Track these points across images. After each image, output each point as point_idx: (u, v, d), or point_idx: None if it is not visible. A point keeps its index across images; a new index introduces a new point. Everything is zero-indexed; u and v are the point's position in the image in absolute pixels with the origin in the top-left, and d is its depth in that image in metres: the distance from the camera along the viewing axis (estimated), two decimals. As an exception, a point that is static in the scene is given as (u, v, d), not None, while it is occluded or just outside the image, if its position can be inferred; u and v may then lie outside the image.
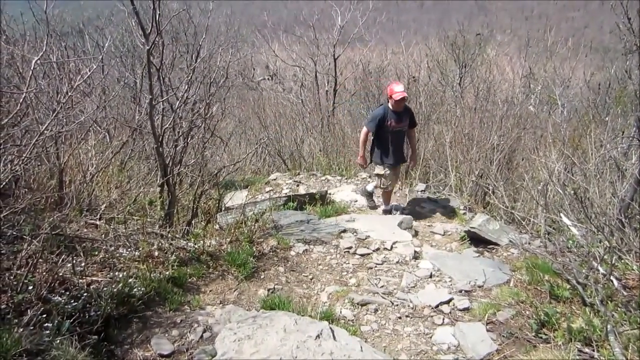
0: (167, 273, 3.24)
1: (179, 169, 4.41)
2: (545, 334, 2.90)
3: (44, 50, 3.27)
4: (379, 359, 2.54)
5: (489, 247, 4.58)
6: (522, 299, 3.36)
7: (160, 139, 4.00)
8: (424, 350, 2.97)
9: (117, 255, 3.23)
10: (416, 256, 4.28)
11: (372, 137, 5.33)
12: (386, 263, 4.16)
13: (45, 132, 3.18)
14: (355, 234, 4.66)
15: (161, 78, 3.95)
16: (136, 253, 3.28)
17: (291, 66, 12.19)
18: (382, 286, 3.76)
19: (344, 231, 4.70)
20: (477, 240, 4.66)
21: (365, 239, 4.58)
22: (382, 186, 5.45)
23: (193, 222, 4.45)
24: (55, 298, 2.52)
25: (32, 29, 5.79)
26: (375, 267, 4.09)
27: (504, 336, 2.99)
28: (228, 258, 3.73)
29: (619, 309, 2.81)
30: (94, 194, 4.06)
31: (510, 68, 12.10)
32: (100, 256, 3.15)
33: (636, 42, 3.84)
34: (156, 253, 3.38)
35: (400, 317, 3.31)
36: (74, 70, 4.31)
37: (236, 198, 5.85)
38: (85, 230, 3.56)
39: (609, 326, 2.61)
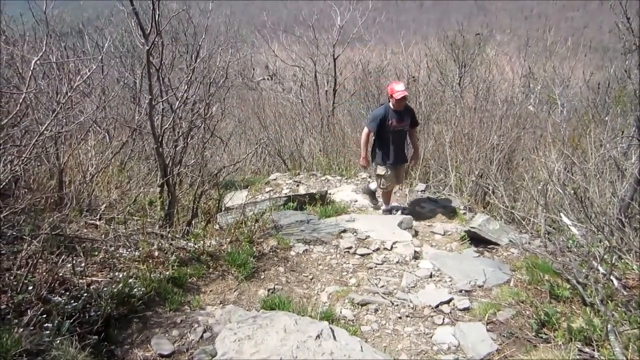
0: (167, 273, 3.24)
1: (179, 169, 4.41)
2: (546, 334, 2.90)
3: (43, 50, 3.27)
4: (379, 359, 2.54)
5: (489, 247, 4.58)
6: (522, 299, 3.36)
7: (160, 139, 4.00)
8: (424, 350, 2.97)
9: (117, 255, 3.23)
10: (416, 256, 4.28)
11: (373, 138, 5.32)
12: (386, 263, 4.16)
13: (45, 132, 3.18)
14: (355, 234, 4.66)
15: (161, 78, 3.95)
16: (136, 253, 3.28)
17: (291, 66, 12.18)
18: (382, 286, 3.76)
19: (344, 231, 4.70)
20: (477, 240, 4.66)
21: (365, 239, 4.58)
22: (382, 186, 5.45)
23: (193, 222, 4.45)
24: (55, 298, 2.52)
25: (32, 30, 5.78)
26: (375, 267, 4.09)
27: (504, 336, 2.99)
28: (228, 258, 3.73)
29: (619, 308, 2.81)
30: (93, 194, 4.06)
31: (509, 68, 12.11)
32: (100, 256, 3.15)
33: (635, 41, 3.85)
34: (156, 253, 3.39)
35: (400, 317, 3.31)
36: (73, 70, 4.30)
37: (236, 198, 5.85)
38: (85, 230, 3.56)
39: (609, 326, 2.61)
